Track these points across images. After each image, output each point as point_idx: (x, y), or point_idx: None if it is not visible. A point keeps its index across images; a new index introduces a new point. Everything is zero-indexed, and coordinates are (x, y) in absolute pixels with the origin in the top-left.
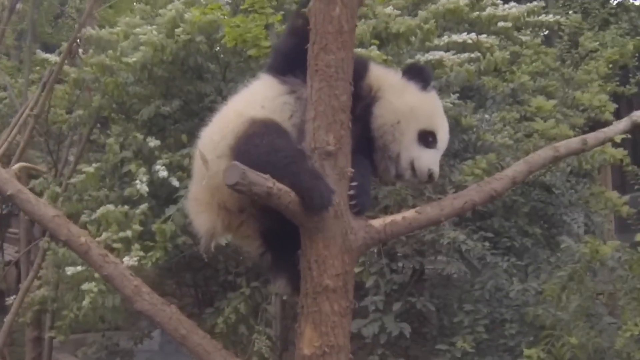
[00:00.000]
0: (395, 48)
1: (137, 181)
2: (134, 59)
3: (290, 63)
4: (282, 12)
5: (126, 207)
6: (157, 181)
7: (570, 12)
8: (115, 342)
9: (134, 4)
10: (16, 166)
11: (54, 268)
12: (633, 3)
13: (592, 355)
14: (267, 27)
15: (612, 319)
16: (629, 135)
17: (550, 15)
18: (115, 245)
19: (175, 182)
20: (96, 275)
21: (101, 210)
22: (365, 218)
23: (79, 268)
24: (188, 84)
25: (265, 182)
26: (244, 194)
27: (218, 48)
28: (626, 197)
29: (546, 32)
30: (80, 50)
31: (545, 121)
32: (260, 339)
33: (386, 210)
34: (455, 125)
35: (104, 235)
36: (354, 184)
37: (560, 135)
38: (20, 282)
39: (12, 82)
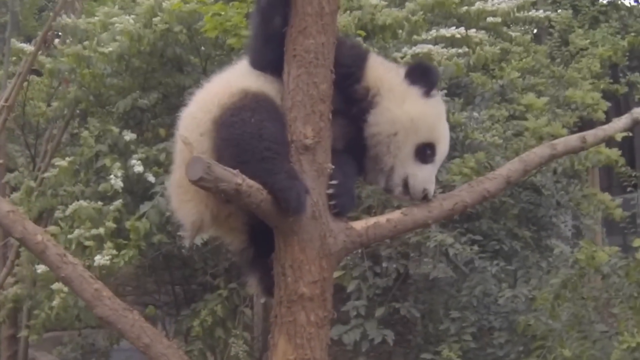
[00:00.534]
0: (381, 41)
1: (112, 176)
2: (110, 49)
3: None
4: None
5: (100, 203)
6: (132, 176)
7: (560, 10)
8: (91, 342)
9: None
10: None
11: (28, 265)
12: (623, 2)
13: None
14: (248, 15)
15: (605, 327)
16: (630, 134)
17: (540, 11)
18: (87, 242)
19: (151, 178)
20: None
21: (73, 206)
22: (346, 220)
23: None
24: (167, 76)
25: (233, 178)
26: (209, 190)
27: (198, 39)
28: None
29: (535, 31)
30: (57, 41)
31: (536, 119)
32: (237, 343)
33: (369, 211)
34: None
35: (76, 232)
36: (333, 182)
37: (553, 133)
38: None
39: None
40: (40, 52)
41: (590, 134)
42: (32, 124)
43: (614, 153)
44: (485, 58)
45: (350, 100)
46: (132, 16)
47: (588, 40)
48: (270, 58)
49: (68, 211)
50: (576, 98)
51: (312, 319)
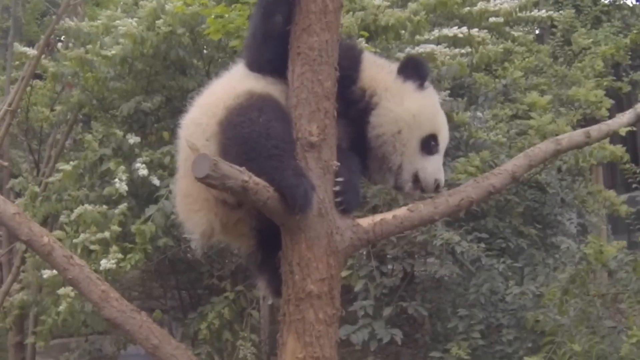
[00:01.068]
0: (384, 42)
1: (117, 180)
2: (113, 52)
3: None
4: None
5: (105, 207)
6: (137, 180)
7: (562, 10)
8: (98, 348)
9: None
10: None
11: (34, 271)
12: (625, 2)
13: None
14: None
15: (613, 322)
16: (634, 128)
17: (543, 11)
18: (93, 247)
19: (155, 181)
20: None
21: (78, 210)
22: (353, 217)
23: (56, 271)
24: (170, 79)
25: (240, 175)
26: (215, 188)
27: (201, 42)
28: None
29: (538, 31)
30: (60, 45)
31: (540, 117)
32: (245, 345)
33: (375, 211)
34: (447, 122)
35: (82, 236)
36: (339, 179)
37: (557, 131)
38: (2, 283)
39: None
40: (43, 56)
41: (595, 129)
42: (35, 130)
43: (619, 149)
44: (488, 57)
45: (347, 102)
46: (135, 19)
47: (590, 40)
48: (268, 57)
49: (73, 215)
50: (579, 96)
51: (320, 317)
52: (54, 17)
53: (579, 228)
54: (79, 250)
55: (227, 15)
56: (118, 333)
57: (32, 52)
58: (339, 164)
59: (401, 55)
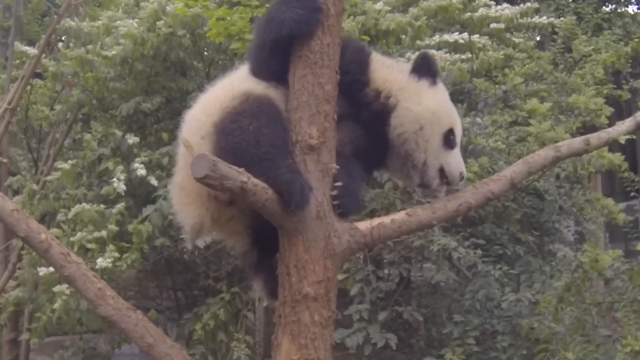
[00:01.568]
0: (384, 46)
1: (115, 179)
2: (114, 52)
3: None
4: (268, 5)
5: (102, 206)
6: (135, 180)
7: (563, 17)
8: (92, 346)
9: None
10: None
11: (30, 268)
12: (627, 10)
13: None
14: (253, 20)
15: (608, 331)
16: (633, 136)
17: (544, 17)
18: (89, 245)
19: (153, 181)
20: None
21: (76, 208)
22: (351, 220)
23: (52, 269)
24: (170, 80)
25: (238, 176)
26: (214, 188)
27: (202, 44)
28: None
29: (539, 38)
30: (61, 44)
31: (540, 124)
32: (239, 346)
33: (373, 214)
34: None
35: (79, 235)
36: (338, 184)
37: (556, 138)
38: None
39: None
40: (43, 55)
41: (594, 137)
42: (34, 128)
43: (617, 157)
44: (488, 63)
45: (359, 105)
46: (136, 20)
47: (591, 47)
48: (275, 68)
49: (70, 214)
50: (579, 104)
51: (316, 319)
52: (55, 17)
53: (577, 236)
54: (75, 249)
55: (229, 18)
56: (113, 332)
57: (32, 51)
58: (338, 167)
59: (401, 60)
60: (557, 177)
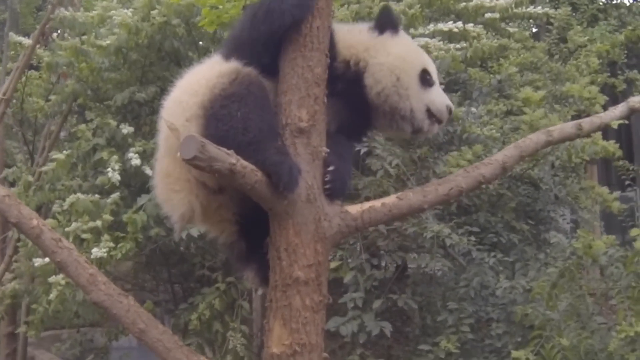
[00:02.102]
0: None
1: (109, 170)
2: (108, 42)
3: None
4: None
5: (97, 196)
6: (129, 170)
7: (558, 9)
8: (89, 339)
9: None
10: None
11: (26, 260)
12: (622, 1)
13: (583, 357)
14: (245, 8)
15: (603, 318)
16: (627, 121)
17: (539, 8)
18: (84, 235)
19: (148, 171)
20: None
21: (70, 199)
22: (341, 204)
23: (47, 259)
24: (165, 70)
25: (227, 157)
26: (203, 170)
27: (196, 33)
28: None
29: (535, 29)
30: (55, 35)
31: (534, 112)
32: (235, 336)
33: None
34: None
35: (74, 225)
36: (330, 168)
37: (550, 126)
38: None
39: None
40: (38, 46)
41: (587, 121)
42: (30, 120)
43: (611, 145)
44: (482, 52)
45: (332, 80)
46: (130, 10)
47: (587, 38)
48: (266, 62)
49: (65, 204)
50: (573, 92)
51: (307, 303)
52: (49, 7)
53: (572, 224)
54: (70, 239)
55: (221, 7)
56: (109, 325)
57: (27, 41)
58: (328, 150)
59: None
60: (552, 165)
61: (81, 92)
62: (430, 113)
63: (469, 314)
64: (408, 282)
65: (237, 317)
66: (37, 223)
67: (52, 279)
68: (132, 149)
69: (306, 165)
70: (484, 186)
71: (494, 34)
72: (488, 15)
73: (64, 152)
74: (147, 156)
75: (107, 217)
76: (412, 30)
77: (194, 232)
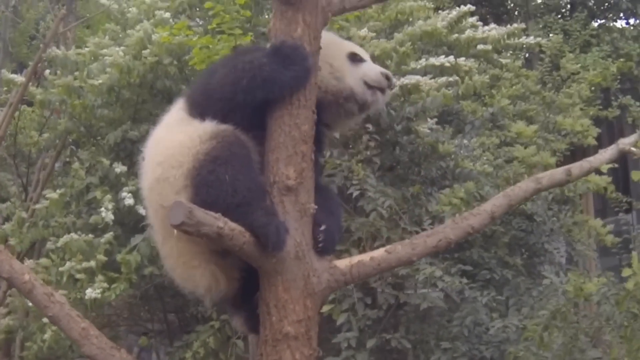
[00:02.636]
0: None
1: (103, 209)
2: (100, 81)
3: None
4: (251, 34)
5: (91, 235)
6: (123, 209)
7: (551, 34)
8: None
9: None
10: None
11: (20, 296)
12: (614, 25)
13: None
14: (235, 48)
15: (597, 352)
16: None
17: (531, 38)
18: (78, 275)
19: (141, 211)
20: None
21: (65, 238)
22: (330, 259)
23: None
24: (157, 107)
25: (215, 221)
26: (191, 235)
27: (188, 71)
28: (609, 221)
29: (527, 55)
30: (48, 71)
31: (525, 147)
32: None
33: (359, 244)
34: (432, 152)
35: (68, 264)
36: (322, 228)
37: (541, 163)
38: None
39: None
40: (30, 83)
41: (576, 167)
42: (24, 153)
43: (603, 180)
44: (474, 88)
45: None
46: (122, 48)
47: (579, 65)
48: (252, 122)
49: (59, 243)
50: (566, 125)
51: (297, 357)
52: (41, 45)
53: (567, 256)
54: (64, 279)
55: (211, 47)
56: None
57: (20, 79)
58: (316, 207)
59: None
60: (546, 198)
61: (74, 129)
62: (368, 85)
63: (462, 352)
64: (402, 320)
65: (232, 355)
66: (29, 278)
67: (46, 319)
68: (125, 188)
69: (294, 222)
70: None
71: (486, 64)
72: (480, 47)
73: (58, 191)
74: (140, 195)
75: (101, 257)
76: (403, 67)
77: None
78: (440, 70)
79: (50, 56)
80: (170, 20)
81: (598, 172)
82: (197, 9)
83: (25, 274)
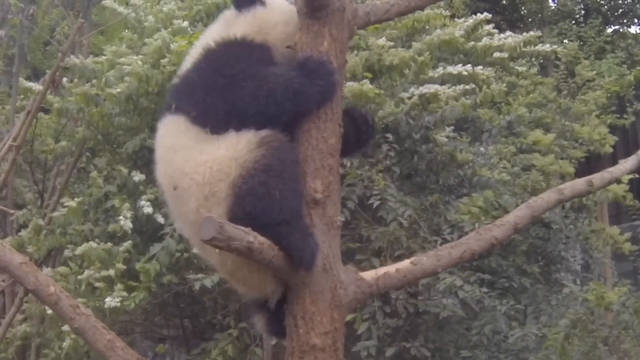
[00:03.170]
0: (388, 80)
1: (121, 217)
2: (119, 90)
3: None
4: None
5: (109, 244)
6: (141, 217)
7: (566, 41)
8: None
9: (125, 31)
10: None
11: (37, 302)
12: (629, 31)
13: None
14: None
15: None
16: (636, 175)
17: (547, 45)
18: (97, 284)
19: (160, 219)
20: None
21: (83, 247)
22: (356, 270)
23: None
24: None
25: (245, 236)
26: (221, 249)
27: None
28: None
29: (541, 62)
30: (65, 79)
31: (543, 155)
32: None
33: (379, 253)
34: (451, 161)
35: (86, 273)
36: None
37: (560, 171)
38: (5, 313)
39: None
40: (48, 92)
41: (597, 177)
42: (39, 159)
43: (621, 188)
44: (491, 96)
45: None
46: (140, 56)
47: (594, 72)
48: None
49: (78, 252)
50: (583, 134)
51: None
52: (59, 54)
53: (583, 262)
54: (83, 287)
55: None
56: None
57: (37, 87)
58: (343, 219)
59: (405, 95)
60: (562, 206)
61: (91, 137)
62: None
63: None
64: (421, 328)
65: None
66: (55, 290)
67: (65, 327)
68: (143, 196)
69: (322, 235)
70: None
71: (501, 71)
72: (497, 54)
73: (76, 199)
74: (159, 204)
75: (120, 265)
76: (422, 76)
77: (208, 282)
78: (458, 79)
79: (68, 65)
80: (188, 29)
81: (617, 181)
82: (215, 18)
83: (50, 286)
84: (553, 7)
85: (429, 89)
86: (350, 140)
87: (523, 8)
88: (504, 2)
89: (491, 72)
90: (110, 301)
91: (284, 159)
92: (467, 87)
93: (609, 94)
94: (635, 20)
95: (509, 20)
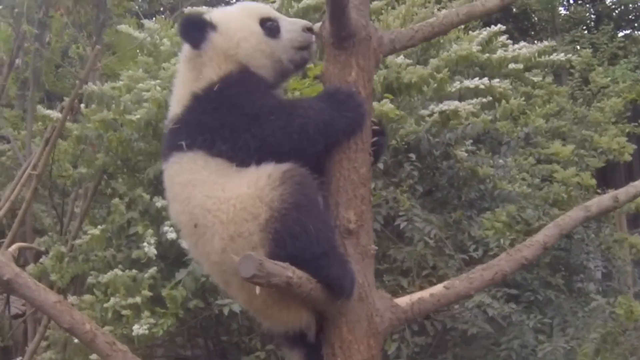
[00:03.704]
0: (407, 97)
1: (145, 243)
2: (138, 116)
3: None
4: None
5: (134, 271)
6: (165, 243)
7: (579, 48)
8: None
9: (138, 54)
10: (13, 247)
11: (61, 329)
12: None
13: None
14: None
15: None
16: None
17: (562, 54)
18: (124, 311)
19: (184, 244)
20: None
21: (109, 275)
22: (391, 297)
23: None
24: None
25: (284, 271)
26: (261, 285)
27: None
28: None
29: (555, 70)
30: (83, 105)
31: (562, 167)
32: None
33: (407, 273)
34: (472, 176)
35: (112, 300)
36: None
37: (582, 184)
38: (27, 339)
39: (15, 134)
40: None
41: (622, 192)
42: (57, 184)
43: None
44: (510, 110)
45: None
46: (158, 81)
47: (609, 78)
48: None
49: (103, 280)
50: (602, 144)
51: None
52: (70, 69)
53: (604, 270)
54: (109, 314)
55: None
56: None
57: (55, 114)
58: (376, 247)
59: (425, 112)
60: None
61: (111, 163)
62: (297, 48)
63: None
64: (449, 344)
65: None
66: (90, 327)
67: (94, 356)
68: (167, 222)
69: (356, 264)
70: None
71: (517, 82)
72: (512, 66)
73: (99, 227)
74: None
75: (146, 292)
76: (440, 92)
77: (236, 308)
78: (475, 92)
79: (86, 92)
80: None
81: None
82: None
83: (85, 323)
84: (564, 14)
85: (449, 105)
86: None
87: (534, 16)
88: (515, 10)
89: (507, 85)
90: (138, 328)
91: (308, 193)
92: (484, 100)
93: (626, 102)
94: None
95: (520, 28)
